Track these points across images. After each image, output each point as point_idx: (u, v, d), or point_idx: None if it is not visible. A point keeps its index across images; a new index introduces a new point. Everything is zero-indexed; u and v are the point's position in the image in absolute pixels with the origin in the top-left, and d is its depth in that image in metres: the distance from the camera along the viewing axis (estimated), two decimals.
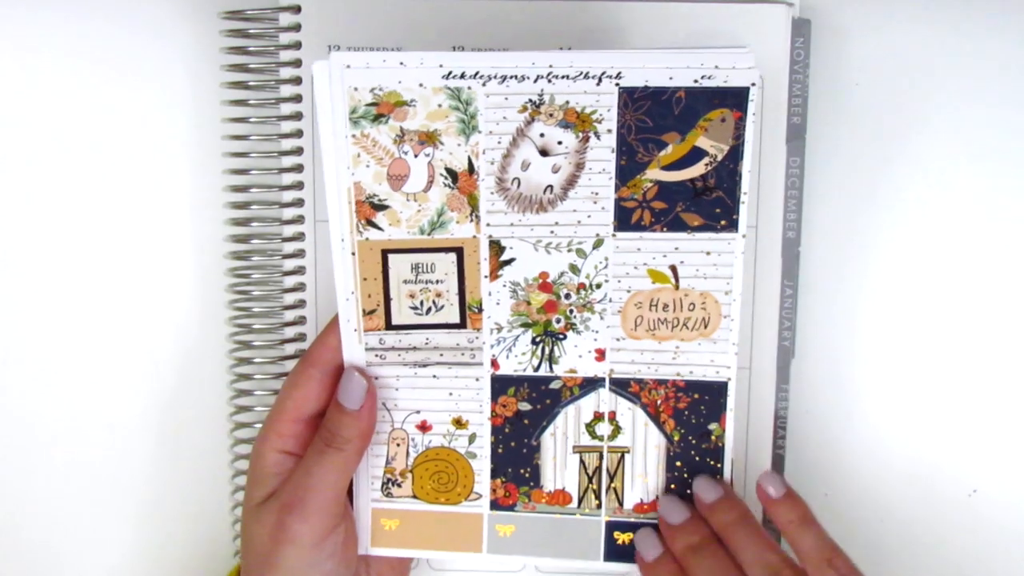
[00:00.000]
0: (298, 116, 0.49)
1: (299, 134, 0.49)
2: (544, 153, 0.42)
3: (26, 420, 0.53)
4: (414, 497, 0.45)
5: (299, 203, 0.50)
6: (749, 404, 0.49)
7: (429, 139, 0.42)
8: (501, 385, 0.44)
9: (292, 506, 0.43)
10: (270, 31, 0.49)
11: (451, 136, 0.42)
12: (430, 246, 0.43)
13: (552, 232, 0.43)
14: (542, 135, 0.42)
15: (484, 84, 0.41)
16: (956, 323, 0.51)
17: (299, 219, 0.50)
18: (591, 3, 0.48)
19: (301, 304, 0.50)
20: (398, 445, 0.45)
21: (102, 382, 0.53)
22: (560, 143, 0.42)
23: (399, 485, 0.45)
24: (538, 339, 0.44)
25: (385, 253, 0.43)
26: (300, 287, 0.50)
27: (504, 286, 0.43)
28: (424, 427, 0.45)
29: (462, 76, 0.41)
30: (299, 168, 0.50)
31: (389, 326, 0.44)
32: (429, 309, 0.44)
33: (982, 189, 0.51)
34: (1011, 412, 0.52)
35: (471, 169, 0.42)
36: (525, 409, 0.45)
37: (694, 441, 0.44)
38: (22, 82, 0.51)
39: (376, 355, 0.44)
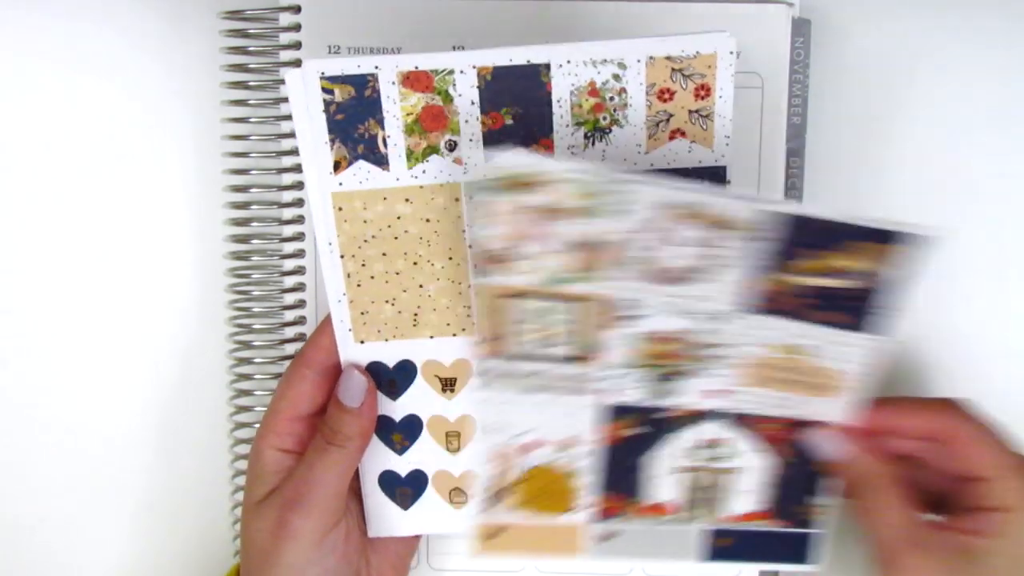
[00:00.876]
0: None
1: None
2: (683, 244, 0.40)
3: (25, 419, 0.53)
4: (517, 509, 0.46)
5: (299, 203, 0.50)
6: None
7: (565, 213, 0.41)
8: (611, 414, 0.44)
9: (294, 502, 0.43)
10: (270, 31, 0.49)
11: (588, 214, 0.40)
12: (554, 295, 0.42)
13: (682, 300, 0.41)
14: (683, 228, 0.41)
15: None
16: (954, 321, 0.51)
17: (299, 219, 0.50)
18: (591, 3, 0.48)
19: (301, 304, 0.50)
20: (503, 462, 0.45)
21: (102, 381, 0.53)
22: (700, 236, 0.40)
23: (503, 499, 0.46)
24: (652, 379, 0.43)
25: (506, 295, 0.42)
26: (300, 287, 0.50)
27: (626, 333, 0.42)
28: (530, 447, 0.45)
29: None
30: (299, 168, 0.50)
31: (504, 356, 0.43)
32: (547, 346, 0.43)
33: (981, 188, 0.51)
34: (1011, 415, 0.52)
35: (605, 241, 0.41)
36: (631, 434, 0.45)
37: (802, 464, 0.44)
38: (21, 82, 0.51)
39: (488, 379, 0.44)
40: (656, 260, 0.40)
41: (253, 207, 0.51)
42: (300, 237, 0.50)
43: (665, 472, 0.45)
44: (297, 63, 0.49)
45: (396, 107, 0.41)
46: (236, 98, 0.50)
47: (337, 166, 0.42)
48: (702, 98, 0.41)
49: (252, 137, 0.50)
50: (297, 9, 0.49)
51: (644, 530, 0.46)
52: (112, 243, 0.52)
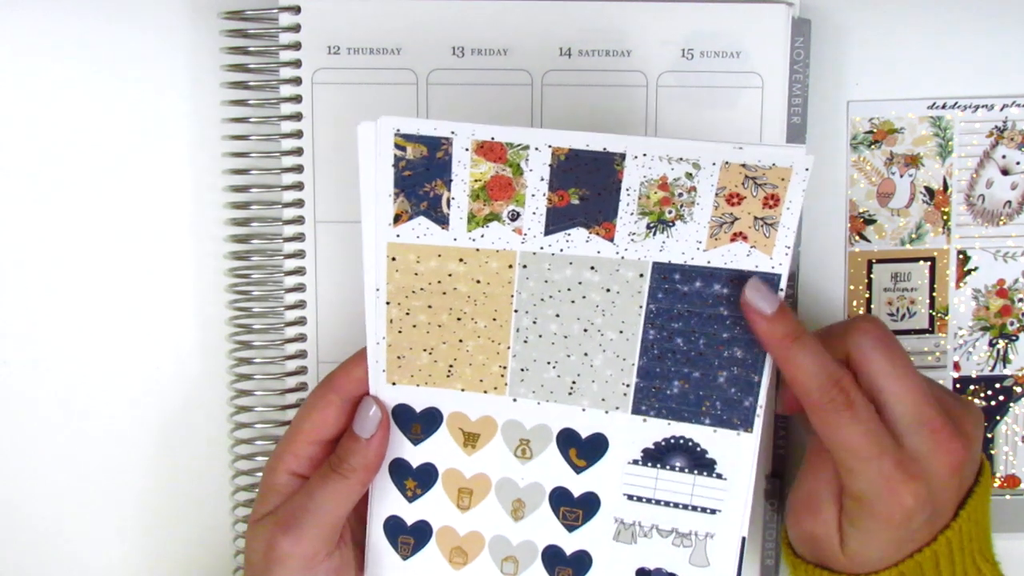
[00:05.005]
0: (298, 116, 0.49)
1: (299, 134, 0.49)
2: (1005, 172, 0.48)
3: (24, 424, 0.53)
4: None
5: (299, 203, 0.50)
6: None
7: (913, 162, 0.47)
8: (962, 385, 0.50)
9: (286, 526, 0.42)
10: (270, 31, 0.49)
11: (931, 159, 0.48)
12: (909, 256, 0.49)
13: (1008, 243, 0.49)
14: (1004, 157, 0.48)
15: (963, 111, 0.47)
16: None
17: (299, 219, 0.50)
18: (591, 3, 0.48)
19: (302, 304, 0.50)
20: None
21: (101, 384, 0.53)
22: (1019, 163, 0.48)
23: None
24: (994, 341, 0.50)
25: (870, 263, 0.49)
26: (301, 287, 0.50)
27: (967, 293, 0.49)
28: None
29: (943, 106, 0.47)
30: (299, 168, 0.50)
31: None
32: (903, 316, 0.50)
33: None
34: None
35: (945, 187, 0.49)
36: (981, 406, 0.51)
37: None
38: (21, 82, 0.51)
39: None
40: (986, 197, 0.49)
41: (253, 207, 0.51)
42: (301, 237, 0.50)
43: (1012, 444, 0.51)
44: (297, 63, 0.49)
45: (466, 172, 0.41)
46: (236, 98, 0.50)
47: (397, 218, 0.42)
48: (770, 207, 0.41)
49: (252, 137, 0.50)
50: (297, 9, 0.49)
51: (1002, 503, 0.51)
52: (112, 244, 0.52)
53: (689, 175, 0.41)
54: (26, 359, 0.53)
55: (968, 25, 0.50)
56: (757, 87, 0.49)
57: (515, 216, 0.42)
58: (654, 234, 0.42)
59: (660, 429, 0.44)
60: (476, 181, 0.41)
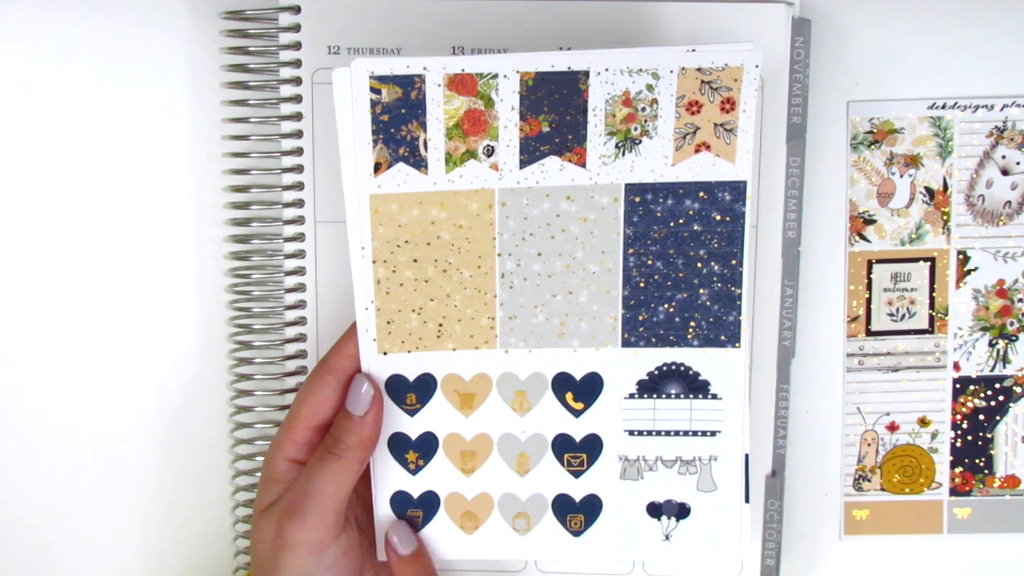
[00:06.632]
0: (298, 116, 0.49)
1: (299, 134, 0.49)
2: (1005, 173, 0.47)
3: (26, 422, 0.53)
4: (882, 489, 0.50)
5: (299, 203, 0.50)
6: (749, 404, 0.49)
7: (913, 162, 0.47)
8: (962, 385, 0.50)
9: (291, 513, 0.43)
10: (270, 31, 0.49)
11: (931, 159, 0.47)
12: (909, 256, 0.49)
13: (1008, 243, 0.49)
14: (1004, 157, 0.48)
15: (963, 111, 0.47)
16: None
17: (299, 219, 0.50)
18: (591, 3, 0.48)
19: (302, 304, 0.50)
20: (868, 444, 0.50)
21: (101, 384, 0.53)
22: (1019, 164, 0.48)
23: (868, 480, 0.50)
24: (994, 341, 0.50)
25: (870, 263, 0.49)
26: (301, 287, 0.50)
27: (967, 293, 0.49)
28: (892, 427, 0.50)
29: (943, 106, 0.47)
30: (299, 168, 0.50)
31: (868, 333, 0.49)
32: (903, 316, 0.49)
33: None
34: None
35: (945, 187, 0.48)
36: (981, 406, 0.51)
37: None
38: (21, 82, 0.51)
39: (857, 361, 0.50)
40: (986, 198, 0.48)
41: (253, 207, 0.51)
42: (301, 238, 0.50)
43: (1012, 444, 0.50)
44: (297, 63, 0.49)
45: (439, 109, 0.42)
46: (236, 98, 0.50)
47: (377, 168, 0.43)
48: (727, 112, 0.42)
49: (252, 137, 0.50)
50: (297, 9, 0.49)
51: (1001, 503, 0.50)
52: (112, 244, 0.52)
53: (650, 87, 0.42)
54: (26, 359, 0.53)
55: (968, 25, 0.50)
56: (757, 87, 0.49)
57: (490, 151, 0.43)
58: (623, 153, 0.43)
59: (652, 358, 0.45)
60: (450, 118, 0.42)
